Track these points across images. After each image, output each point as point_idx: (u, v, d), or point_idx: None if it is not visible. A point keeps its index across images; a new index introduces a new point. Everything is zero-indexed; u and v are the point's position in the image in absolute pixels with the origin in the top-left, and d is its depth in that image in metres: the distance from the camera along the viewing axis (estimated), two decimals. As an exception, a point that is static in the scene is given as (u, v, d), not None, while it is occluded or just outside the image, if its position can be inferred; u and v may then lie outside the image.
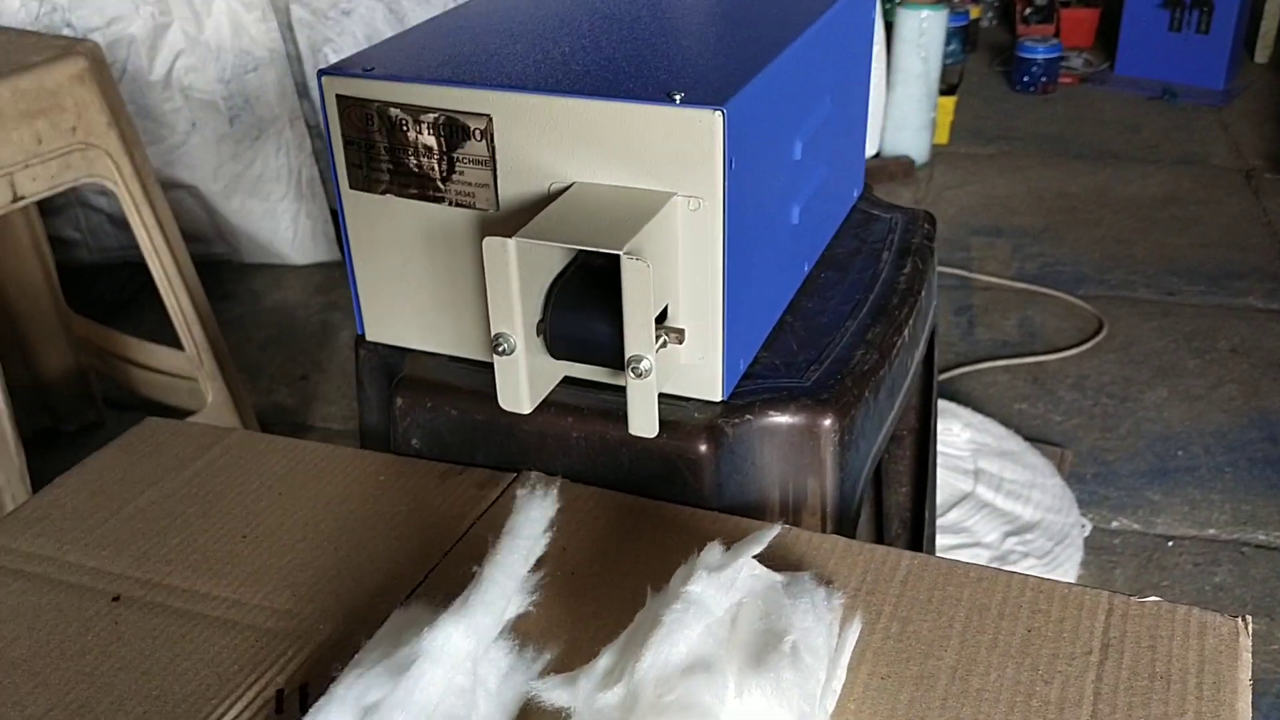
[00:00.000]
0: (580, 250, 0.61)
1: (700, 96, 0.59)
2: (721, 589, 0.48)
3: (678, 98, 0.59)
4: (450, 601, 0.57)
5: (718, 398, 0.66)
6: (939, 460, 1.53)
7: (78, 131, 1.27)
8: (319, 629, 0.58)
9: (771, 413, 0.66)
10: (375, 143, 0.66)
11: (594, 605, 0.58)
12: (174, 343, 1.51)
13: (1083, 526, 1.47)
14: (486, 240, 0.57)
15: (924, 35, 2.58)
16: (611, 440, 0.66)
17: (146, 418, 0.80)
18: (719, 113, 0.57)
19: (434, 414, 0.70)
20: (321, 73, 0.65)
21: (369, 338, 0.74)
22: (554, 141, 0.62)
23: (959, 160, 2.76)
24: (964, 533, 1.43)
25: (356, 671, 0.50)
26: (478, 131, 0.63)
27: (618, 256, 0.55)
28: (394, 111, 0.64)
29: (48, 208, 2.33)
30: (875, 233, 0.86)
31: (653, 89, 0.60)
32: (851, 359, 0.70)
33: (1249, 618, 0.53)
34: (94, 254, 2.41)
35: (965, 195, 2.57)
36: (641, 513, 0.65)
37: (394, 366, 0.74)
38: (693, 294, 0.63)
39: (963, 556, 1.38)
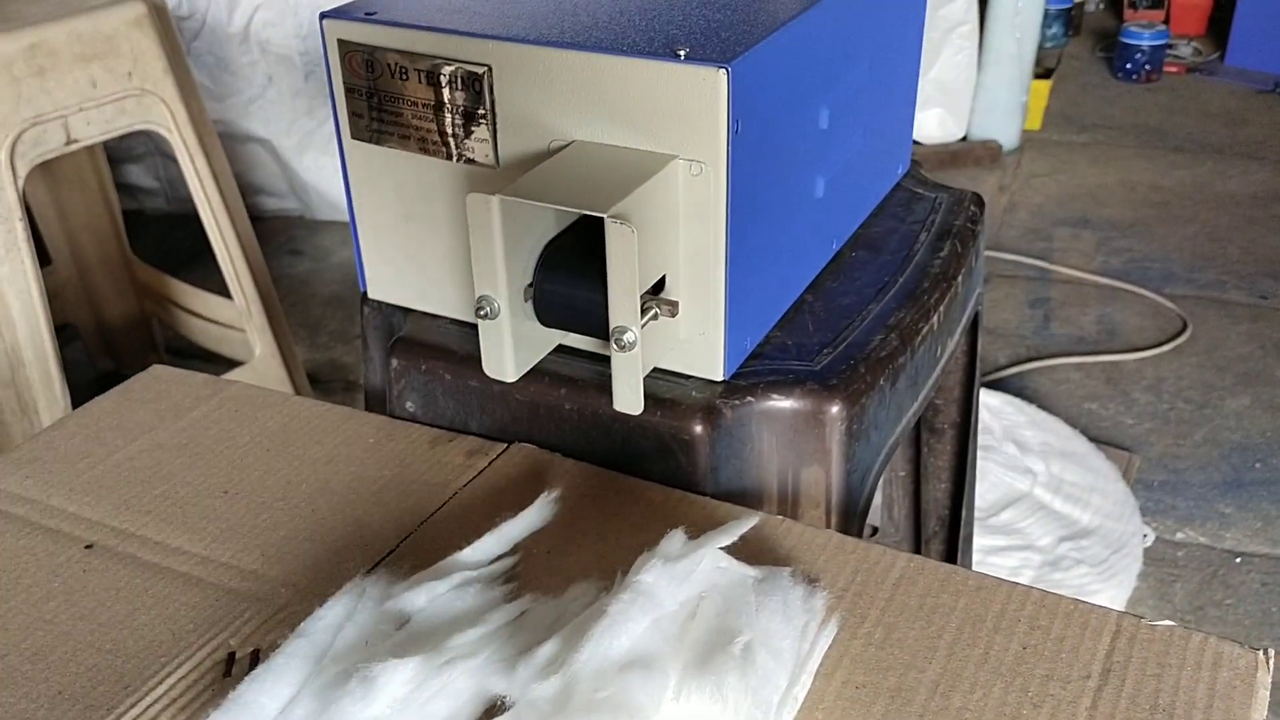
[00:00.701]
0: (578, 213, 0.57)
1: (706, 53, 0.55)
2: (676, 581, 0.44)
3: (682, 53, 0.55)
4: (416, 572, 0.55)
5: (719, 377, 0.62)
6: (997, 459, 1.47)
7: (134, 77, 1.27)
8: (280, 593, 0.56)
9: (775, 396, 0.62)
10: (375, 91, 0.63)
11: (564, 587, 0.55)
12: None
13: (1144, 536, 1.39)
14: (470, 197, 0.54)
15: (1020, 15, 2.48)
16: (604, 415, 0.62)
17: (154, 364, 0.79)
18: (723, 71, 0.54)
19: (428, 377, 0.68)
20: (323, 15, 0.63)
21: (370, 295, 0.71)
22: (554, 96, 0.58)
23: (1050, 147, 2.66)
24: (1016, 534, 1.37)
25: (301, 642, 0.48)
26: (476, 82, 0.60)
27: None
28: (393, 58, 0.61)
29: (126, 156, 2.37)
30: (917, 213, 0.81)
31: (658, 44, 0.56)
32: (869, 344, 0.66)
33: (1272, 650, 0.48)
34: (171, 204, 2.44)
35: (1053, 184, 2.47)
36: (630, 493, 0.61)
37: (396, 326, 0.72)
38: (693, 265, 0.59)
39: (1012, 559, 1.33)
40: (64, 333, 1.95)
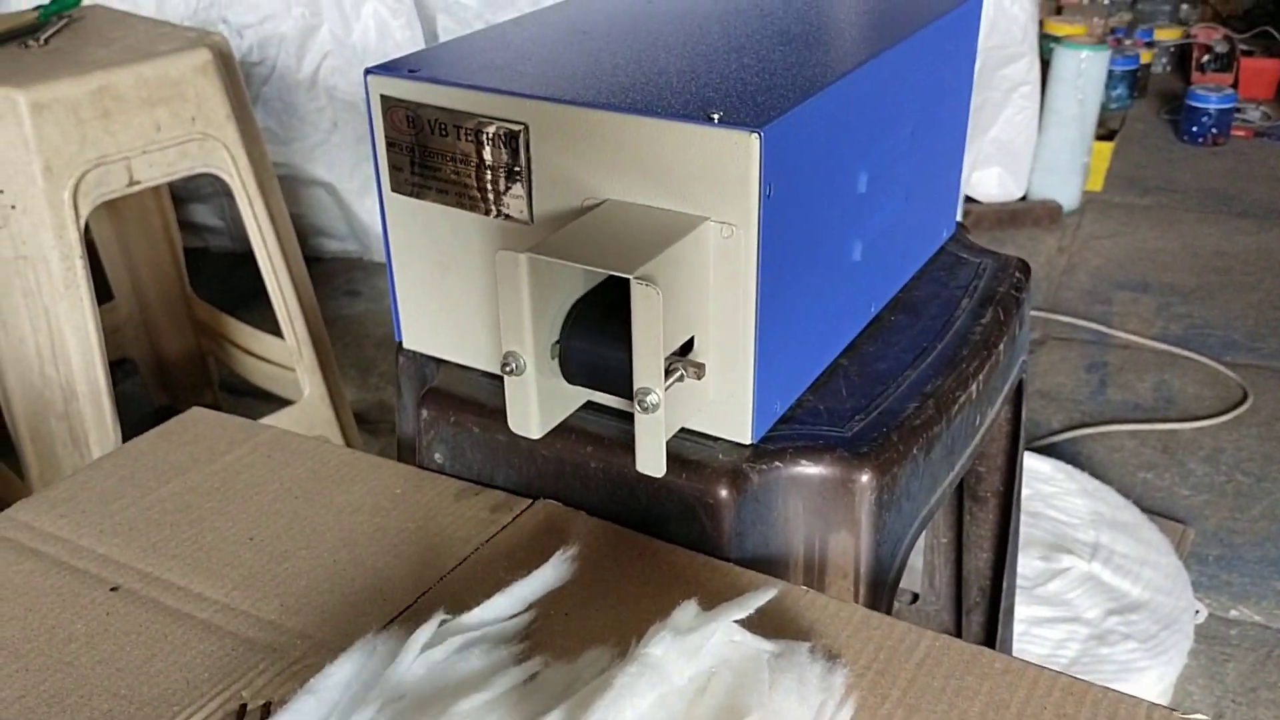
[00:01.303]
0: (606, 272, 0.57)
1: (740, 117, 0.55)
2: (686, 655, 0.43)
3: (716, 117, 0.55)
4: (431, 630, 0.54)
5: (747, 440, 0.61)
6: (1048, 527, 1.44)
7: (197, 122, 1.30)
8: (295, 645, 0.56)
9: (803, 462, 0.61)
10: (415, 146, 0.64)
11: (580, 651, 0.54)
12: (288, 335, 1.53)
13: (1196, 612, 1.35)
14: (499, 254, 0.54)
15: (1082, 77, 2.46)
16: (630, 474, 0.62)
17: (193, 407, 0.80)
18: (755, 135, 0.53)
19: (457, 429, 0.68)
20: (367, 71, 0.64)
21: (405, 345, 0.72)
22: (588, 155, 0.58)
23: (1111, 209, 2.62)
24: (1063, 605, 1.33)
25: (309, 699, 0.48)
26: (513, 140, 0.60)
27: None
28: (433, 114, 0.62)
29: (193, 195, 2.43)
30: (960, 278, 0.80)
31: (693, 107, 0.56)
32: (903, 411, 0.65)
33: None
34: (235, 243, 2.49)
35: (1113, 246, 2.44)
36: (653, 556, 0.61)
37: (429, 377, 0.72)
38: (723, 327, 0.59)
39: (1058, 631, 1.29)
40: (123, 367, 1.99)
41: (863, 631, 0.55)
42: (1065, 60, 2.46)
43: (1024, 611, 1.31)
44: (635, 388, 0.54)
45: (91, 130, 1.22)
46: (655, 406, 0.54)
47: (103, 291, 1.78)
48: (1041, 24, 2.80)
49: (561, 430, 0.63)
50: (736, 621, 0.47)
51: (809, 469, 0.61)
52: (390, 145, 0.65)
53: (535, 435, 0.59)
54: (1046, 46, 2.60)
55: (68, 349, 1.27)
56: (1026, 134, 2.49)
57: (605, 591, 0.58)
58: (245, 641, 0.57)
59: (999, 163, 2.51)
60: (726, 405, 0.61)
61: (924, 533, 1.04)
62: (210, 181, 2.43)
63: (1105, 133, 2.74)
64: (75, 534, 0.66)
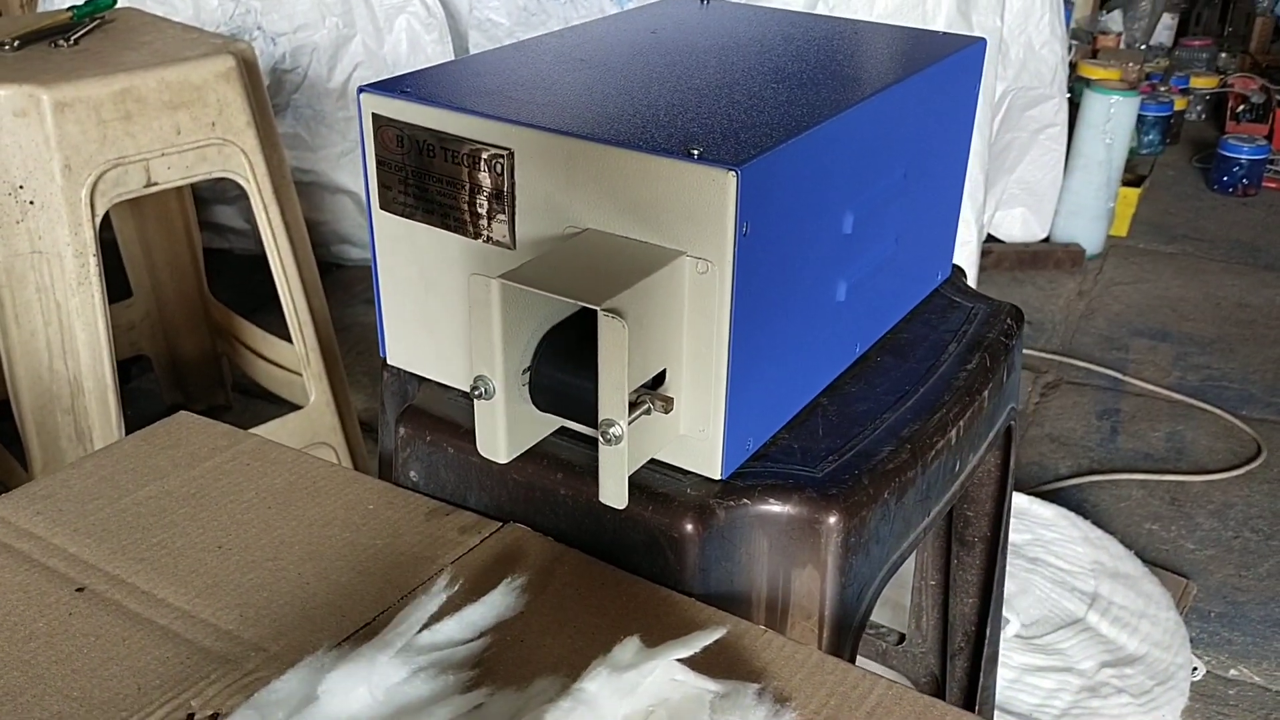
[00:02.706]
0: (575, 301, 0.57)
1: (719, 154, 0.55)
2: (621, 692, 0.43)
3: (695, 153, 0.55)
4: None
5: (716, 476, 0.61)
6: (1047, 574, 1.43)
7: (216, 127, 1.32)
8: (249, 657, 0.56)
9: (771, 500, 0.61)
10: (404, 165, 0.64)
11: (531, 679, 0.54)
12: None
13: (1194, 669, 1.33)
14: (471, 278, 0.54)
15: (1111, 122, 2.45)
16: (597, 504, 0.61)
17: (180, 410, 0.80)
18: (732, 173, 0.53)
19: (432, 448, 0.68)
20: (360, 89, 0.64)
21: (389, 361, 0.72)
22: (570, 184, 0.59)
23: (1135, 255, 2.60)
24: (1057, 655, 1.32)
25: (250, 713, 0.48)
26: (498, 165, 0.60)
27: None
28: (421, 135, 0.62)
29: (219, 197, 2.45)
30: (950, 321, 0.80)
31: (675, 141, 0.57)
32: (877, 454, 0.64)
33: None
34: (258, 245, 2.51)
35: (1134, 293, 2.42)
36: (615, 586, 0.60)
37: (410, 394, 0.72)
38: (695, 362, 0.58)
39: (1050, 680, 1.27)
40: (138, 364, 2.01)
41: (816, 675, 0.54)
42: (1094, 104, 2.45)
43: (1017, 659, 1.30)
44: (599, 419, 0.54)
45: (112, 130, 1.23)
46: (618, 439, 0.54)
47: (122, 288, 1.80)
48: (1076, 66, 2.79)
49: (533, 455, 0.63)
50: (683, 660, 0.47)
51: (776, 508, 0.61)
52: (380, 164, 0.65)
53: (503, 460, 0.59)
54: (1079, 89, 2.59)
55: (77, 345, 1.29)
56: (1052, 176, 2.48)
57: (563, 620, 0.58)
58: (201, 650, 0.57)
59: (1023, 203, 2.50)
60: (697, 440, 0.61)
61: (913, 574, 1.03)
62: (234, 184, 2.45)
63: (1134, 178, 2.72)
64: (49, 532, 0.66)
